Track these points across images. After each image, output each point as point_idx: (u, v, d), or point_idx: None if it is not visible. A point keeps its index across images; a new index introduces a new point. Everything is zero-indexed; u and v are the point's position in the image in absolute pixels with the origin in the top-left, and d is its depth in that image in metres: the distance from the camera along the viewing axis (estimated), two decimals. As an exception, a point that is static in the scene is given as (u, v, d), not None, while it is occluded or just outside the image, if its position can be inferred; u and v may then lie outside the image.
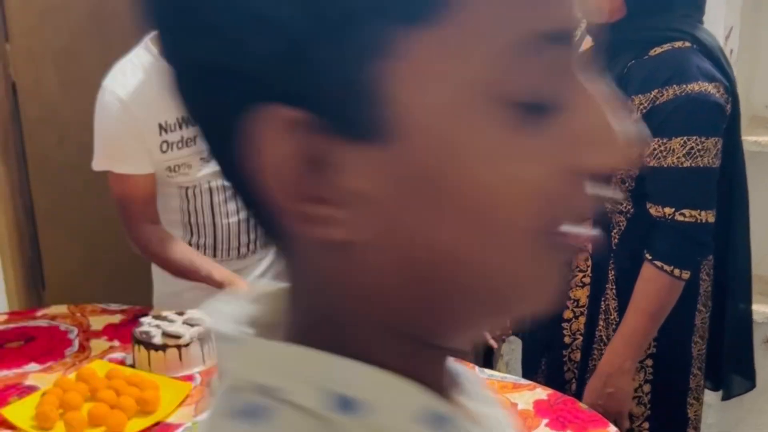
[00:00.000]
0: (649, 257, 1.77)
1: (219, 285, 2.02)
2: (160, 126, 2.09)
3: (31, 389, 1.84)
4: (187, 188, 2.19)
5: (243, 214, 2.23)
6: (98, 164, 2.15)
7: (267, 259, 2.35)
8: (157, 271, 2.36)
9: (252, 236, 2.30)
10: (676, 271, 1.74)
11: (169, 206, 2.20)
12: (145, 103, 2.06)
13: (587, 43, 1.87)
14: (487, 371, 1.90)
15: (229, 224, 2.25)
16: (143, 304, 2.29)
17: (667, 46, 1.73)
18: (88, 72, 3.40)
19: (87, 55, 3.38)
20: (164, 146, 2.11)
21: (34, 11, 3.27)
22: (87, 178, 3.46)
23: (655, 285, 1.77)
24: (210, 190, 2.20)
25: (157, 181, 2.16)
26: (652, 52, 1.74)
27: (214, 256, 2.24)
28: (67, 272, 3.45)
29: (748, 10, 2.45)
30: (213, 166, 1.84)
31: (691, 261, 1.78)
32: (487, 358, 2.37)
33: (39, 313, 2.24)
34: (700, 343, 1.90)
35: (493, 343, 2.16)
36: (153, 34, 2.07)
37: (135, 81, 2.08)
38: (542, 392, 1.79)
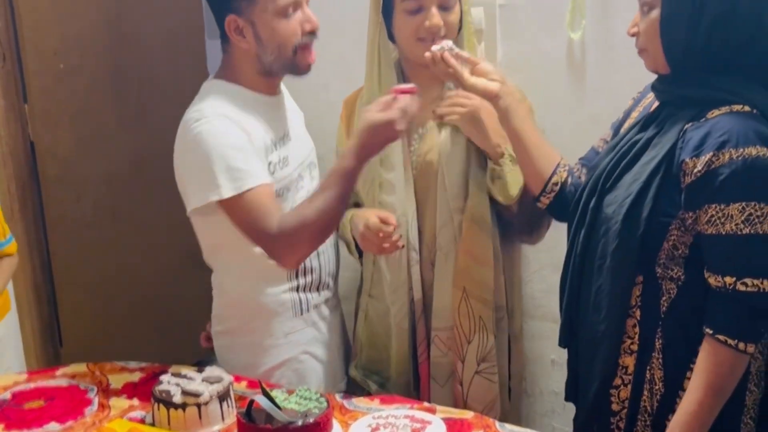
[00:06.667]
0: (710, 332, 1.68)
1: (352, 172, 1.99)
2: (265, 146, 2.10)
3: (52, 450, 1.85)
4: None
5: (331, 238, 2.24)
6: (228, 189, 2.00)
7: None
8: (251, 347, 2.28)
9: (337, 260, 2.35)
10: (741, 345, 1.65)
11: None
12: (246, 124, 2.07)
13: (655, 104, 1.87)
14: (507, 426, 1.89)
15: (327, 253, 2.28)
16: (160, 362, 2.29)
17: (725, 109, 1.67)
18: (104, 131, 3.47)
19: (103, 114, 3.45)
20: (271, 167, 2.10)
21: (52, 72, 3.33)
22: (104, 236, 3.51)
23: (717, 359, 1.67)
24: None
25: None
26: (709, 115, 1.68)
27: (318, 291, 2.27)
28: (85, 329, 3.47)
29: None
30: (308, 188, 2.01)
31: (756, 333, 1.68)
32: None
33: (58, 372, 2.25)
34: (751, 424, 1.81)
35: None
36: (221, 75, 2.15)
37: (228, 105, 2.08)
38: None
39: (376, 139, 1.99)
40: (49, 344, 3.35)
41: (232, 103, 2.09)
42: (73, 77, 3.39)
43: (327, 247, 2.28)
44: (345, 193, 1.99)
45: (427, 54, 2.02)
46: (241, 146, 2.02)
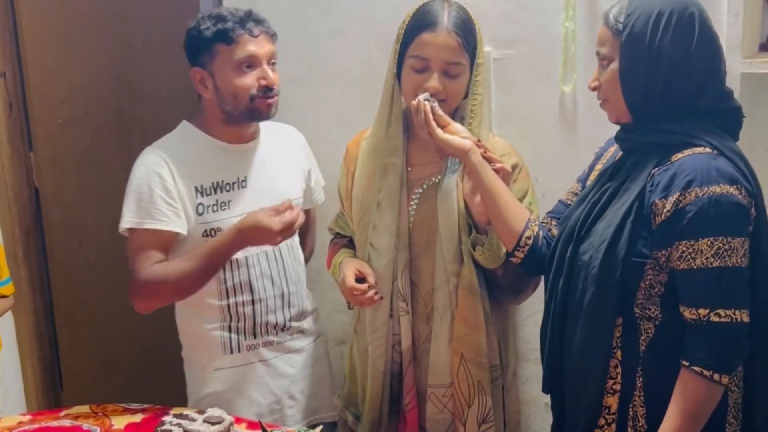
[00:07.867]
0: (687, 364, 1.74)
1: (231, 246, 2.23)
2: (196, 189, 2.26)
3: (56, 489, 1.88)
4: None
5: (278, 290, 2.36)
6: (128, 221, 2.24)
7: (307, 334, 2.50)
8: (191, 375, 2.45)
9: (287, 314, 2.41)
10: (716, 376, 1.72)
11: (207, 289, 2.29)
12: (183, 164, 2.26)
13: (619, 154, 1.96)
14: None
15: (267, 302, 2.36)
16: (160, 404, 2.33)
17: (688, 152, 1.76)
18: (107, 177, 3.52)
19: (107, 161, 3.50)
20: (200, 208, 2.27)
21: (57, 120, 3.40)
22: (106, 280, 3.55)
23: (694, 389, 1.74)
24: (247, 264, 2.32)
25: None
26: (674, 158, 1.77)
27: (254, 335, 2.37)
28: (85, 373, 3.49)
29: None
30: None
31: (730, 364, 1.75)
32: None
33: (62, 413, 2.28)
34: None
35: None
36: (194, 119, 2.29)
37: (175, 145, 2.29)
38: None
39: (255, 238, 2.22)
40: (50, 387, 3.37)
41: (180, 142, 2.32)
42: (78, 125, 3.46)
43: (267, 296, 2.36)
44: (211, 268, 2.24)
45: (413, 102, 2.09)
46: (158, 187, 2.22)
